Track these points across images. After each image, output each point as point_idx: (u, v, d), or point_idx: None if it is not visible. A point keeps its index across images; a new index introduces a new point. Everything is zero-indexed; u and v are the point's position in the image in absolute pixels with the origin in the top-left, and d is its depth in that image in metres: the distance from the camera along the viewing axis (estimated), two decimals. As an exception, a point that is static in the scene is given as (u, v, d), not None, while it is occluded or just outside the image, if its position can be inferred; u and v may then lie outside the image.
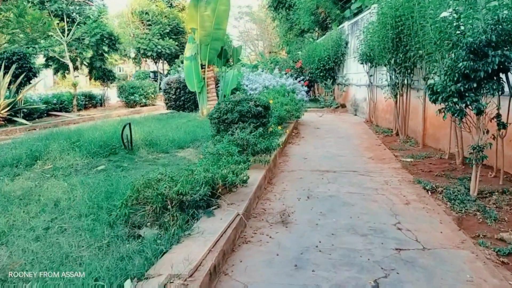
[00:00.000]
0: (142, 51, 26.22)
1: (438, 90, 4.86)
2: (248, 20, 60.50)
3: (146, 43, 26.08)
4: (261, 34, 59.64)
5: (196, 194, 3.68)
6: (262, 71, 13.73)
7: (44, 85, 45.85)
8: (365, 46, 11.60)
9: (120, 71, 51.14)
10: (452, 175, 5.79)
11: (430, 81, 7.67)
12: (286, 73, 13.36)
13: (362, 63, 12.21)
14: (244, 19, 60.04)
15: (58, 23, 15.84)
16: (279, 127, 7.46)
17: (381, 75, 11.25)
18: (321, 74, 17.00)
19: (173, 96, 14.71)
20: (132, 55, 28.37)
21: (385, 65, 9.61)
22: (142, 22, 26.95)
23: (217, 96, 12.55)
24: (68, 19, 16.92)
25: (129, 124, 6.59)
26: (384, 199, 4.79)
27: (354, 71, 15.04)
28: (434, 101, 5.06)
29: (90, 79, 18.53)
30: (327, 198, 4.85)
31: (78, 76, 38.31)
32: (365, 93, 13.27)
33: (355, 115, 14.77)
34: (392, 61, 8.89)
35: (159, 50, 26.43)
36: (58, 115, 14.61)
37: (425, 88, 5.40)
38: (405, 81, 8.96)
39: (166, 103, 15.15)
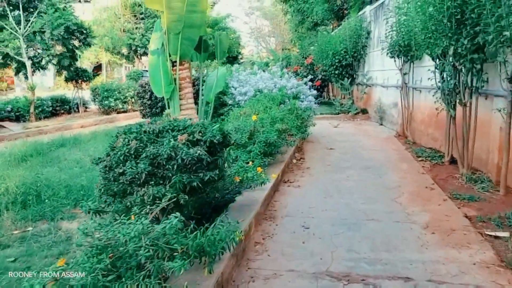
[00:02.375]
0: (133, 48, 23.28)
1: None
2: (259, 15, 57.30)
3: (139, 39, 23.13)
4: (273, 30, 56.37)
5: None
6: (258, 70, 10.45)
7: (42, 86, 43.55)
8: (399, 32, 8.30)
9: (126, 70, 48.54)
10: None
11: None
12: (288, 72, 10.09)
13: (392, 57, 8.88)
14: (255, 15, 56.94)
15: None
16: (259, 170, 4.23)
17: (422, 73, 7.94)
18: (336, 72, 13.64)
19: (148, 102, 11.60)
20: (125, 52, 25.47)
21: (435, 59, 6.30)
22: (135, 16, 23.99)
23: (196, 104, 9.41)
24: (29, 7, 13.97)
25: None
26: None
27: (379, 68, 11.69)
28: None
29: (68, 81, 15.53)
30: None
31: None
32: (396, 97, 9.94)
33: (381, 124, 11.43)
34: (450, 51, 5.55)
35: (154, 47, 23.29)
36: (4, 127, 11.66)
37: None
38: (471, 83, 5.63)
39: (141, 111, 12.06)
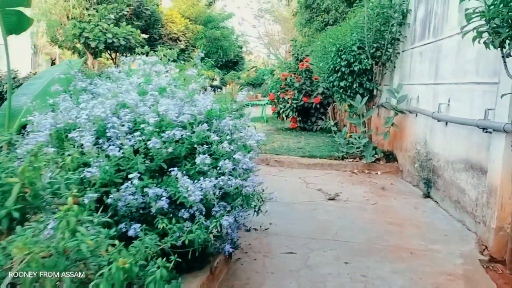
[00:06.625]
0: (82, 40, 17.85)
1: None
2: (269, 19, 51.54)
3: (90, 29, 17.70)
4: (284, 36, 50.57)
5: None
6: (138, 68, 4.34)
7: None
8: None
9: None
10: None
11: None
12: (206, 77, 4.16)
13: (500, 47, 2.94)
14: (265, 18, 51.11)
15: None
16: None
17: None
18: (342, 83, 7.65)
19: None
20: (79, 46, 20.03)
21: None
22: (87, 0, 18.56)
23: None
24: None
25: None
26: None
27: (427, 79, 5.77)
28: None
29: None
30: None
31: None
32: (476, 150, 3.99)
33: (427, 196, 5.45)
34: None
35: (110, 40, 18.11)
36: None
37: None
38: None
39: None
